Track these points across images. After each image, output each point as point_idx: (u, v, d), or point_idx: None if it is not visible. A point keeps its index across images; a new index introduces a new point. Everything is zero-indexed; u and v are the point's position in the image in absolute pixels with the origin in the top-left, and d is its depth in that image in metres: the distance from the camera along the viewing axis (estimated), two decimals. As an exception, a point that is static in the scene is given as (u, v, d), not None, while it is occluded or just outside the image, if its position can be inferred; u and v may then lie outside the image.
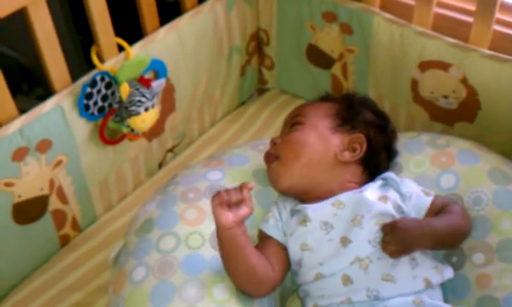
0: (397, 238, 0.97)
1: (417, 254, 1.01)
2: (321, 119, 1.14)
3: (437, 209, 1.09)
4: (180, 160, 1.57)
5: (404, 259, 1.00)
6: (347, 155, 1.11)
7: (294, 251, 1.06)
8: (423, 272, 1.00)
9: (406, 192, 1.09)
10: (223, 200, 0.95)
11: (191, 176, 1.18)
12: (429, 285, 0.99)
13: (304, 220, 1.06)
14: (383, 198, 1.07)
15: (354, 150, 1.12)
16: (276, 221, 1.10)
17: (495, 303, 1.02)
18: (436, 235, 1.01)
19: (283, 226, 1.09)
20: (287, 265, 1.07)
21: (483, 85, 1.31)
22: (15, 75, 1.98)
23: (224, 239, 0.98)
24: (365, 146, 1.12)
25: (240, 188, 0.97)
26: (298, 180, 1.10)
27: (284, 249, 1.07)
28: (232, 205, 0.96)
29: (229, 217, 0.95)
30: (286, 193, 1.13)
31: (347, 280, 1.00)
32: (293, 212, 1.10)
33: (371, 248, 1.01)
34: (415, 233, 0.99)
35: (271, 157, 1.14)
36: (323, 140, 1.11)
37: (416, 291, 0.99)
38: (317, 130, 1.12)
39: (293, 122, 1.15)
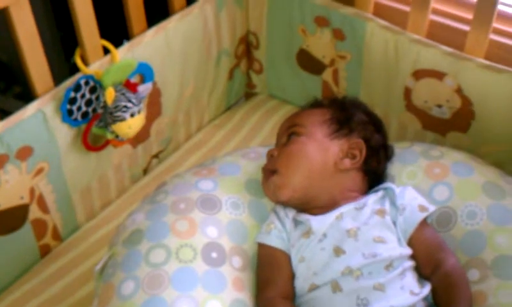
0: None
1: (407, 270, 1.00)
2: (318, 126, 1.11)
3: (425, 243, 1.04)
4: (165, 166, 1.52)
5: (396, 273, 0.98)
6: (347, 163, 1.09)
7: (293, 263, 1.04)
8: (409, 284, 0.99)
9: (400, 204, 1.06)
10: None
11: (182, 185, 1.13)
12: (413, 294, 0.97)
13: (307, 233, 1.04)
14: (381, 212, 1.05)
15: (354, 157, 1.10)
16: (280, 232, 1.07)
17: (491, 321, 1.00)
18: None
19: (288, 235, 1.06)
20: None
21: (478, 95, 1.29)
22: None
23: None
24: (364, 151, 1.10)
25: None
26: (298, 192, 1.07)
27: (290, 258, 1.06)
28: None
29: None
30: (285, 204, 1.10)
31: (336, 287, 0.98)
32: (296, 222, 1.07)
33: (364, 260, 0.99)
34: None
35: (269, 171, 1.10)
36: (322, 149, 1.09)
37: (402, 304, 0.96)
38: (315, 139, 1.09)
39: (289, 132, 1.12)
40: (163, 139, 1.50)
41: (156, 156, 1.51)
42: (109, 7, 1.43)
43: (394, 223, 1.04)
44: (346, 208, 1.06)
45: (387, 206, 1.06)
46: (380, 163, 1.14)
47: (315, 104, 1.20)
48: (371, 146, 1.11)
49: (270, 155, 1.12)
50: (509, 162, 1.31)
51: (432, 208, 1.08)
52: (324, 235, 1.03)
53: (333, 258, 1.00)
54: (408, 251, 1.02)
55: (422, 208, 1.07)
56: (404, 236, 1.04)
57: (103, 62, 1.25)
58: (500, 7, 1.26)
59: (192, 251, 1.01)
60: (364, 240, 1.01)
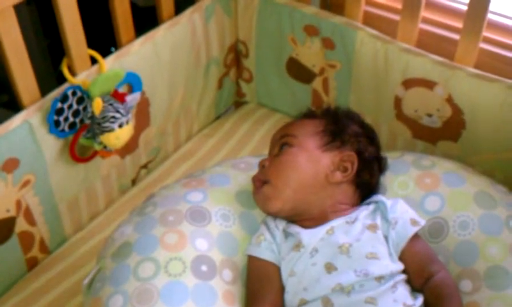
0: None
1: (398, 282, 0.99)
2: (310, 138, 1.10)
3: (417, 256, 1.03)
4: (154, 176, 1.50)
5: (387, 286, 0.97)
6: (338, 176, 1.07)
7: (283, 277, 1.03)
8: (402, 296, 0.98)
9: (392, 218, 1.05)
10: None
11: (171, 197, 1.12)
12: (406, 306, 0.96)
13: (297, 246, 1.03)
14: (372, 227, 1.03)
15: (345, 170, 1.08)
16: (270, 243, 1.06)
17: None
18: None
19: (278, 247, 1.05)
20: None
21: (469, 104, 1.28)
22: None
23: None
24: (356, 164, 1.08)
25: None
26: (288, 204, 1.06)
27: (280, 270, 1.05)
28: None
29: None
30: (275, 215, 1.09)
31: (327, 303, 0.97)
32: (286, 234, 1.06)
33: (355, 277, 0.98)
34: None
35: (259, 181, 1.09)
36: (313, 161, 1.07)
37: None
38: (307, 151, 1.08)
39: (281, 143, 1.11)
40: (152, 149, 1.49)
41: (145, 166, 1.50)
42: (96, 17, 1.42)
43: (386, 237, 1.03)
44: (337, 222, 1.04)
45: (378, 220, 1.05)
46: (373, 176, 1.13)
47: (309, 114, 1.18)
48: (364, 159, 1.10)
49: (261, 166, 1.11)
50: (499, 170, 1.31)
51: (422, 222, 1.07)
52: (316, 250, 1.02)
53: (324, 274, 0.99)
54: (400, 266, 1.01)
55: (414, 222, 1.06)
56: (396, 250, 1.03)
57: (90, 72, 1.23)
58: (490, 16, 1.26)
59: (182, 265, 1.00)
60: (356, 257, 0.99)
